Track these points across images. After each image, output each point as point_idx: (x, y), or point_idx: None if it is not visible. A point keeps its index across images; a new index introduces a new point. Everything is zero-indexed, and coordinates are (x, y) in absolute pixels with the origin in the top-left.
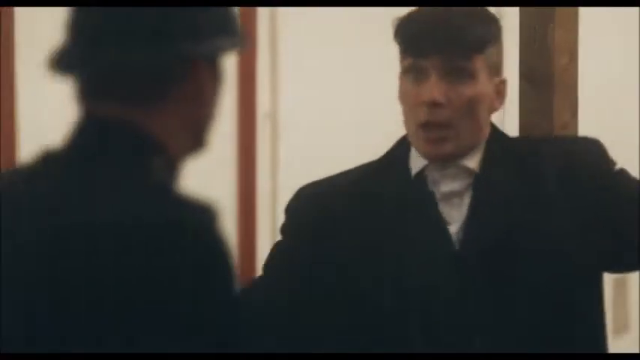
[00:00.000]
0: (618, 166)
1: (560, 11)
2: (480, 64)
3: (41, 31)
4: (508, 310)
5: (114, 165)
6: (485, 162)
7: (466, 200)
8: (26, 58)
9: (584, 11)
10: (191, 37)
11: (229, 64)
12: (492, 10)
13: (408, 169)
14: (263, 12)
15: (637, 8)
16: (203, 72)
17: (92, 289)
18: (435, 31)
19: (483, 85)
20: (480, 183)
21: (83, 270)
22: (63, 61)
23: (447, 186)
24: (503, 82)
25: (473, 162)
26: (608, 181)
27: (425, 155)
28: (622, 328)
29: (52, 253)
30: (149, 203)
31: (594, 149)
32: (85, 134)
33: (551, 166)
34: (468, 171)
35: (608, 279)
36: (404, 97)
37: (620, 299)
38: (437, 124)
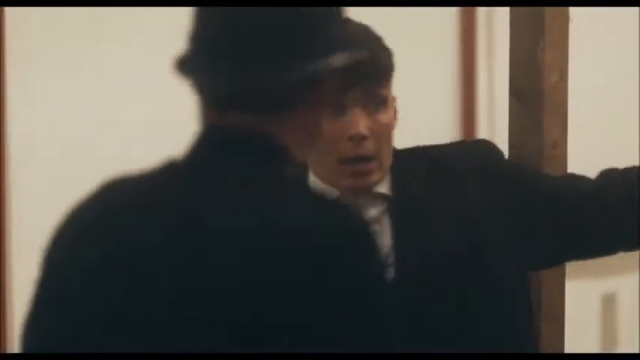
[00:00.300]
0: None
1: (550, 29)
2: (389, 89)
3: (32, 30)
4: (449, 328)
5: (249, 173)
6: (395, 183)
7: (386, 226)
8: (17, 58)
9: (574, 28)
10: (324, 51)
11: None
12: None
13: None
14: None
15: (628, 23)
16: (327, 82)
17: (252, 294)
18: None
19: (392, 108)
20: (395, 206)
21: (248, 277)
22: (196, 70)
23: (364, 215)
24: (395, 99)
25: (384, 186)
26: (525, 180)
27: (349, 188)
28: (611, 343)
29: (204, 262)
30: (303, 209)
31: (494, 149)
32: (215, 144)
33: (462, 169)
34: (381, 196)
35: (597, 295)
36: (323, 131)
37: (609, 315)
38: (365, 158)
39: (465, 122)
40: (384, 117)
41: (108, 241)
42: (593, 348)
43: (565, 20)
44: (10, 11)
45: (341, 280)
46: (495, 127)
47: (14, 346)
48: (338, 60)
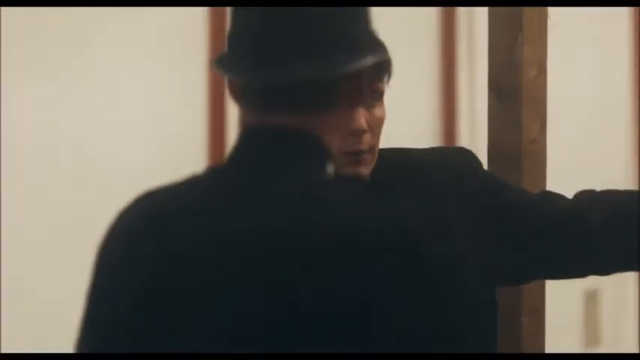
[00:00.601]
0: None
1: (529, 24)
2: (385, 84)
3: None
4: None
5: (295, 173)
6: (373, 180)
7: None
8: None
9: (552, 24)
10: (361, 48)
11: None
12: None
13: None
14: None
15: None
16: (364, 80)
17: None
18: None
19: (384, 102)
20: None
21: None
22: (237, 70)
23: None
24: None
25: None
26: (502, 192)
27: None
28: (594, 341)
29: (256, 263)
30: (350, 206)
31: (473, 158)
32: (259, 144)
33: (439, 176)
34: None
35: (579, 293)
36: None
37: (591, 313)
38: (362, 151)
39: (445, 119)
40: (379, 111)
41: (157, 249)
42: (576, 345)
43: (543, 15)
44: None
45: (399, 274)
46: (476, 123)
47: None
48: (372, 57)
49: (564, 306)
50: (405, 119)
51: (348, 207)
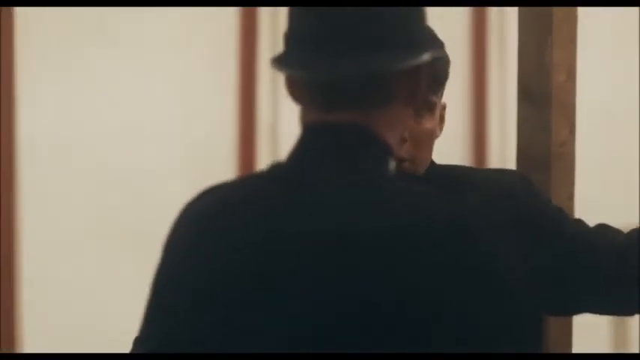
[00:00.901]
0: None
1: (558, 29)
2: (440, 96)
3: (42, 31)
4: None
5: (359, 170)
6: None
7: None
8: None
9: (582, 29)
10: (423, 43)
11: (229, 74)
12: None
13: None
14: (265, 14)
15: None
16: (423, 78)
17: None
18: None
19: (437, 115)
20: None
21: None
22: (299, 68)
23: None
24: (444, 108)
25: None
26: (552, 220)
27: None
28: (622, 342)
29: (320, 260)
30: (413, 203)
31: (527, 181)
32: (323, 141)
33: (487, 190)
34: None
35: None
36: None
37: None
38: (401, 159)
39: (476, 122)
40: (428, 123)
41: (221, 243)
42: (604, 346)
43: (573, 19)
44: (19, 12)
45: (460, 272)
46: (506, 126)
47: (22, 344)
48: (429, 54)
49: None
50: None
51: (412, 204)
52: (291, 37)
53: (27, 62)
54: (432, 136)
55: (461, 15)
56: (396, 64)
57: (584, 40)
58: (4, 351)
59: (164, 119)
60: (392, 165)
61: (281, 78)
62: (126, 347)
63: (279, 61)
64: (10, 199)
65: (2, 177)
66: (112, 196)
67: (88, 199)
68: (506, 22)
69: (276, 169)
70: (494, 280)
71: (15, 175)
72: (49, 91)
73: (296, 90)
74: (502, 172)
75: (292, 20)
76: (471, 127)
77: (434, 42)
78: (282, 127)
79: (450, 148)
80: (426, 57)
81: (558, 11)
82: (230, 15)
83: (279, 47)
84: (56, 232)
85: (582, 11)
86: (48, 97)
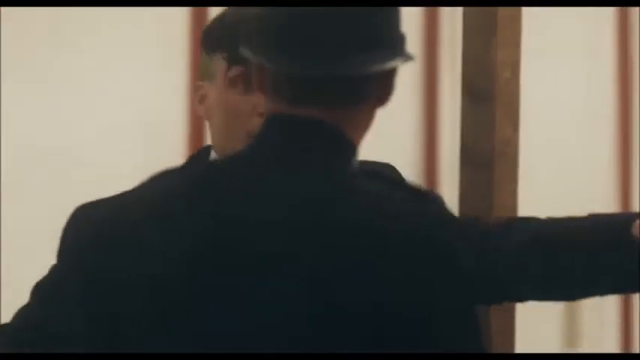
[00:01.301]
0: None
1: (503, 26)
2: None
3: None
4: None
5: (320, 166)
6: None
7: None
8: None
9: (527, 26)
10: (398, 46)
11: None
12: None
13: None
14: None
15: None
16: (394, 80)
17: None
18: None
19: None
20: None
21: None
22: (271, 57)
23: None
24: None
25: None
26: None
27: None
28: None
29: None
30: (378, 204)
31: (395, 172)
32: (286, 133)
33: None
34: None
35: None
36: (229, 108)
37: (627, 314)
38: None
39: (427, 121)
40: None
41: (168, 237)
42: (612, 347)
43: (517, 17)
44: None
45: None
46: (446, 123)
47: None
48: (402, 58)
49: (600, 306)
50: (388, 121)
51: (372, 203)
52: (266, 26)
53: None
54: None
55: (413, 14)
56: (376, 65)
57: (528, 38)
58: None
59: (122, 120)
60: (354, 164)
61: None
62: None
63: (248, 49)
64: None
65: None
66: (81, 197)
67: (59, 199)
68: (457, 20)
69: (232, 157)
70: (458, 277)
71: None
72: (28, 94)
73: (261, 79)
74: (375, 164)
75: (271, 10)
76: (422, 125)
77: (405, 46)
78: None
79: (401, 148)
80: (400, 59)
81: (503, 10)
82: (182, 15)
83: None
84: (31, 233)
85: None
86: (26, 99)
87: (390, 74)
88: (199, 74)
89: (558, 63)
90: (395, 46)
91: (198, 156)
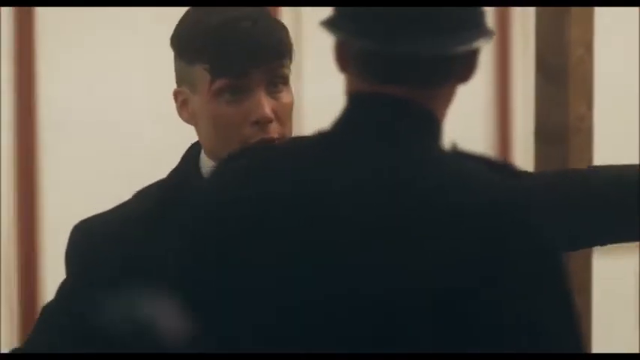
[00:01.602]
0: None
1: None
2: (289, 68)
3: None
4: None
5: (412, 144)
6: None
7: None
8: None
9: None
10: (482, 25)
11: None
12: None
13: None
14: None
15: None
16: (478, 58)
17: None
18: (253, 44)
19: (292, 89)
20: None
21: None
22: (359, 35)
23: None
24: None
25: None
26: None
27: None
28: None
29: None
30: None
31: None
32: (376, 112)
33: None
34: None
35: (633, 271)
36: (217, 118)
37: None
38: (269, 141)
39: (500, 100)
40: (285, 97)
41: (253, 208)
42: (632, 324)
43: None
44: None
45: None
46: (520, 102)
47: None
48: (485, 39)
49: (619, 284)
50: (461, 99)
51: (460, 182)
52: (359, 9)
53: (48, 41)
54: (290, 110)
55: None
56: (464, 45)
57: (602, 16)
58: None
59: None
60: (441, 142)
61: None
62: None
63: (332, 25)
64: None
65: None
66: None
67: (102, 174)
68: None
69: (321, 136)
70: (556, 261)
71: (38, 148)
72: (69, 69)
73: (345, 57)
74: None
75: None
76: (495, 105)
77: (487, 23)
78: None
79: (475, 126)
80: (486, 39)
81: None
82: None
83: None
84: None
85: None
86: (67, 74)
87: (475, 54)
88: (177, 79)
89: (632, 40)
90: (480, 25)
91: (190, 152)
